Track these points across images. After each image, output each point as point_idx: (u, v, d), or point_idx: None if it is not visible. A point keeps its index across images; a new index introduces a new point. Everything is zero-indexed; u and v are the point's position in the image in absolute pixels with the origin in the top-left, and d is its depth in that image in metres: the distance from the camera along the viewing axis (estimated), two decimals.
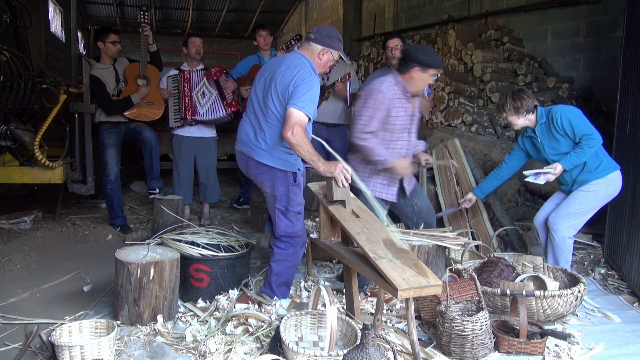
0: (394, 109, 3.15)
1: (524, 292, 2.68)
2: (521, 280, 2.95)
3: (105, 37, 4.51)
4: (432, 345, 2.59)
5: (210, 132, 4.89)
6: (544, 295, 2.71)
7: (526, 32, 5.83)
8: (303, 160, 2.83)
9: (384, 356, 2.01)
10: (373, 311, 2.83)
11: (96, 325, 2.54)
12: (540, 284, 2.94)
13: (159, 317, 2.75)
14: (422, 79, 3.15)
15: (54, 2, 9.16)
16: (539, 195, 4.49)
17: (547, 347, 2.55)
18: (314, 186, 3.12)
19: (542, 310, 2.75)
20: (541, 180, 3.32)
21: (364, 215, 2.74)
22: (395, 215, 3.47)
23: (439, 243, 3.19)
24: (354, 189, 2.93)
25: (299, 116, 2.69)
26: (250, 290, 3.15)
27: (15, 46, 4.33)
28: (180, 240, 3.22)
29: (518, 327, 2.56)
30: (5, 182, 4.33)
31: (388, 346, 2.08)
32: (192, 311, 2.96)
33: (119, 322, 2.74)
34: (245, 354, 2.42)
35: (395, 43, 4.39)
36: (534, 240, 3.94)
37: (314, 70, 2.86)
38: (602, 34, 4.99)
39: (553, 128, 3.28)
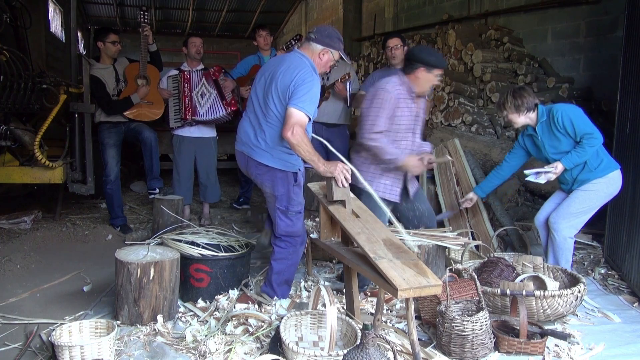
0: (399, 108, 3.16)
1: (524, 292, 2.68)
2: (521, 280, 2.95)
3: (105, 37, 4.51)
4: (432, 345, 2.59)
5: (210, 132, 4.89)
6: (544, 295, 2.71)
7: (526, 32, 5.83)
8: (303, 160, 2.83)
9: (384, 356, 2.01)
10: (373, 311, 2.83)
11: (96, 325, 2.54)
12: (540, 284, 2.94)
13: (159, 317, 2.75)
14: (427, 79, 3.18)
15: (54, 2, 9.16)
16: (539, 195, 4.49)
17: (547, 347, 2.55)
18: (314, 186, 3.12)
19: (542, 310, 2.75)
20: (542, 180, 3.31)
21: (364, 215, 2.74)
22: (395, 216, 3.48)
23: (439, 243, 3.19)
24: (356, 189, 2.93)
25: (299, 116, 2.69)
26: (250, 290, 3.15)
27: (15, 46, 4.33)
28: (180, 240, 3.22)
29: (518, 327, 2.56)
30: (5, 182, 4.33)
31: (388, 346, 2.08)
32: (192, 311, 2.96)
33: (119, 322, 2.74)
34: (245, 354, 2.42)
35: (395, 43, 4.39)
36: (534, 240, 3.94)
37: (314, 70, 2.86)
38: (602, 34, 4.99)
39: (554, 127, 3.27)
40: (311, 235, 3.14)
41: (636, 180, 3.36)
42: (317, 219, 3.38)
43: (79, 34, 11.42)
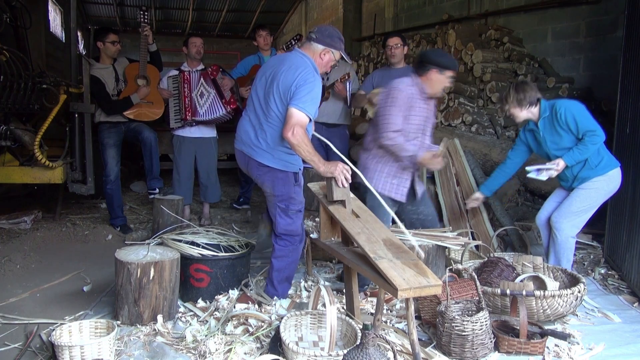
0: (412, 108, 3.20)
1: (524, 292, 2.68)
2: (521, 280, 2.95)
3: (104, 37, 4.51)
4: (432, 345, 2.59)
5: (210, 132, 4.89)
6: (544, 295, 2.71)
7: (526, 32, 5.83)
8: (303, 160, 2.83)
9: (384, 356, 2.01)
10: (373, 311, 2.83)
11: (96, 325, 2.54)
12: (540, 284, 2.94)
13: (159, 317, 2.75)
14: (440, 80, 3.22)
15: (54, 2, 9.16)
16: (539, 195, 4.49)
17: (547, 347, 2.55)
18: (314, 186, 3.12)
19: (542, 310, 2.75)
20: (543, 176, 3.30)
21: (364, 215, 2.74)
22: (400, 218, 3.49)
23: (439, 243, 3.19)
24: (362, 186, 2.94)
25: (300, 116, 2.69)
26: (250, 290, 3.15)
27: (15, 46, 4.33)
28: (180, 240, 3.22)
29: (518, 327, 2.56)
30: (5, 182, 4.33)
31: (388, 346, 2.08)
32: (192, 311, 2.96)
33: (119, 322, 2.74)
34: (245, 354, 2.42)
35: (395, 42, 4.39)
36: (534, 240, 3.94)
37: (316, 71, 2.86)
38: (602, 34, 4.99)
39: (556, 123, 3.26)
40: (311, 235, 3.15)
41: (636, 180, 3.36)
42: (317, 219, 3.39)
43: (79, 34, 11.42)
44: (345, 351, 2.06)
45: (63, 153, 4.31)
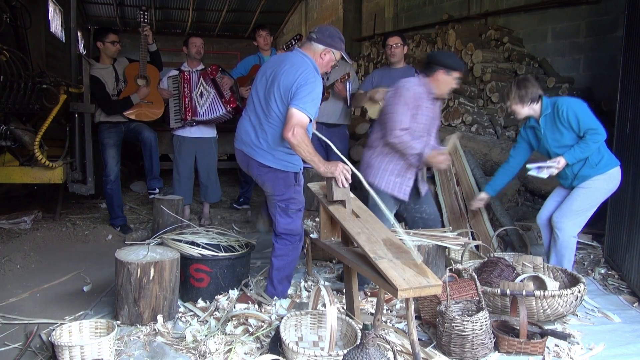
0: (419, 107, 3.21)
1: (524, 292, 2.68)
2: (521, 280, 2.95)
3: (104, 37, 4.51)
4: (432, 345, 2.59)
5: (210, 132, 4.89)
6: (544, 295, 2.71)
7: (526, 32, 5.83)
8: (303, 160, 2.83)
9: (384, 356, 2.01)
10: (373, 311, 2.83)
11: (96, 325, 2.54)
12: (540, 284, 2.94)
13: (159, 317, 2.75)
14: (447, 81, 3.24)
15: (54, 2, 9.16)
16: (539, 195, 4.49)
17: (547, 347, 2.54)
18: (314, 186, 3.12)
19: (542, 310, 2.75)
20: (544, 174, 3.30)
21: (364, 215, 2.74)
22: (401, 216, 3.50)
23: (439, 243, 3.19)
24: (362, 187, 2.94)
25: (300, 117, 2.68)
26: (250, 290, 3.15)
27: (15, 46, 4.34)
28: (180, 240, 3.22)
29: (518, 327, 2.56)
30: (5, 182, 4.33)
31: (388, 346, 2.08)
32: (192, 311, 2.96)
33: (119, 322, 2.74)
34: (245, 354, 2.42)
35: (395, 41, 4.40)
36: (534, 240, 3.93)
37: (316, 71, 2.86)
38: (602, 34, 4.99)
39: (558, 120, 3.26)
40: (311, 235, 3.15)
41: (636, 180, 3.36)
42: (317, 219, 3.39)
43: (79, 34, 11.42)
44: (345, 351, 2.06)
45: (63, 153, 4.31)
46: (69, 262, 3.84)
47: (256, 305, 2.93)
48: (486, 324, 2.48)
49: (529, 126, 3.45)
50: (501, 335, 2.55)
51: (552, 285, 2.92)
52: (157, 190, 4.74)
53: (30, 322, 2.81)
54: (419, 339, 2.46)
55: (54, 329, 2.48)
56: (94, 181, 4.44)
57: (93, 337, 2.50)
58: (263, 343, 2.51)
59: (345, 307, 2.88)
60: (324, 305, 2.39)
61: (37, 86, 3.92)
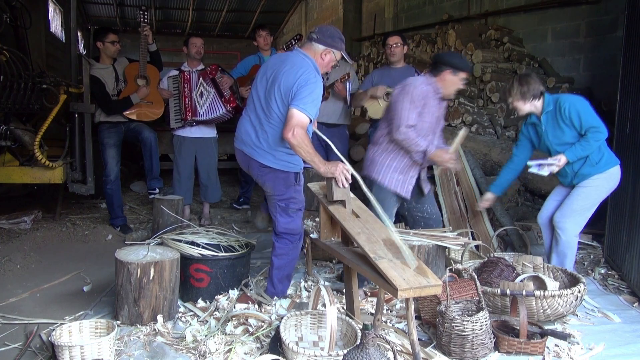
0: (426, 106, 3.22)
1: (524, 292, 2.68)
2: (521, 280, 2.95)
3: (104, 37, 4.51)
4: (432, 345, 2.59)
5: (211, 132, 4.89)
6: (544, 295, 2.71)
7: (526, 32, 5.83)
8: (303, 160, 2.83)
9: (384, 356, 2.01)
10: (373, 311, 2.83)
11: (96, 325, 2.54)
12: (540, 284, 2.94)
13: (159, 317, 2.75)
14: (453, 81, 3.25)
15: (54, 2, 9.16)
16: (539, 195, 4.49)
17: (547, 347, 2.54)
18: (314, 186, 3.12)
19: (542, 310, 2.75)
20: (545, 172, 3.29)
21: (364, 215, 2.74)
22: (402, 215, 3.50)
23: (439, 243, 3.19)
24: (367, 180, 2.95)
25: (301, 117, 2.68)
26: (250, 290, 3.15)
27: (15, 46, 4.34)
28: (180, 240, 3.22)
29: (518, 327, 2.56)
30: (5, 182, 4.33)
31: (388, 346, 2.08)
32: (192, 311, 2.96)
33: (119, 322, 2.74)
34: (245, 354, 2.42)
35: (395, 40, 4.40)
36: (534, 240, 3.93)
37: (317, 71, 2.86)
38: (602, 34, 4.99)
39: (560, 118, 3.25)
40: (311, 235, 3.15)
41: (636, 180, 3.36)
42: (317, 219, 3.39)
43: (79, 34, 11.42)
44: (345, 351, 2.06)
45: (63, 153, 4.31)
46: (69, 262, 3.84)
47: (256, 305, 2.93)
48: (486, 324, 2.48)
49: (530, 123, 3.45)
50: (501, 335, 2.55)
51: (552, 285, 2.92)
52: (157, 190, 4.74)
53: (30, 322, 2.81)
54: (419, 339, 2.46)
55: (54, 329, 2.48)
56: (94, 181, 4.44)
57: (93, 337, 2.50)
58: (263, 343, 2.51)
59: (345, 307, 2.88)
60: (324, 305, 2.39)
61: (37, 86, 3.92)
